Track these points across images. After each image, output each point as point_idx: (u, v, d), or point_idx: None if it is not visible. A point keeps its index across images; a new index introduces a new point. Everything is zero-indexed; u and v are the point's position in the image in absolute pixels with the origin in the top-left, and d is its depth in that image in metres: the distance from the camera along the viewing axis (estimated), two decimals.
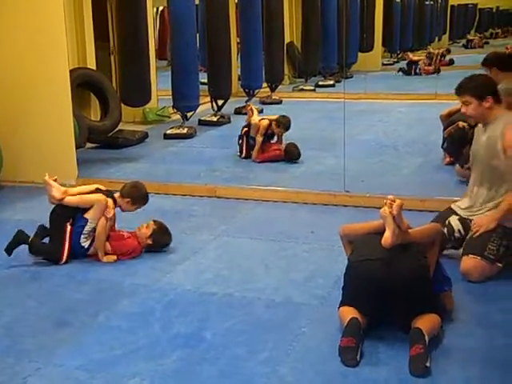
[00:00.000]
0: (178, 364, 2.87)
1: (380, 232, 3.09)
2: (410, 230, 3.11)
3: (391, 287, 2.97)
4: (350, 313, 3.00)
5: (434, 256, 3.16)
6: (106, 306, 3.46)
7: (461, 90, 3.82)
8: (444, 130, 5.95)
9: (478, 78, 3.89)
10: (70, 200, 4.09)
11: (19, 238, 4.10)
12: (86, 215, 4.08)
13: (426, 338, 2.84)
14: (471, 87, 3.78)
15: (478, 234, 3.67)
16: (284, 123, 6.65)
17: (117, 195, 4.19)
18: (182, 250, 4.26)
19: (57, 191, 4.11)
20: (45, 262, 4.06)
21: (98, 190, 4.21)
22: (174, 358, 2.92)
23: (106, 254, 4.10)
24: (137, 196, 4.22)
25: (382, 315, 3.06)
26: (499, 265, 3.63)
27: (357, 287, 3.10)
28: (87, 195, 4.14)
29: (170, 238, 4.24)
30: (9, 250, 4.08)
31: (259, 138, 6.54)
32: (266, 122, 6.62)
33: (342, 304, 3.13)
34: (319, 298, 3.50)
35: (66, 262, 4.05)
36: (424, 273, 3.05)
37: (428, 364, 2.75)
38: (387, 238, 3.01)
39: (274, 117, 6.74)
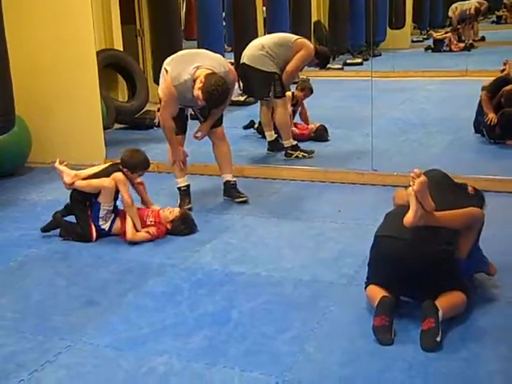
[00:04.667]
0: (206, 342, 2.88)
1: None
2: (439, 213, 2.96)
3: (411, 269, 2.92)
4: (380, 291, 2.97)
5: (467, 242, 3.06)
6: (134, 286, 3.49)
7: None
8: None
9: None
10: (79, 185, 4.12)
11: (56, 222, 4.20)
12: (99, 199, 4.11)
13: (440, 312, 2.80)
14: None
15: None
16: (306, 86, 6.61)
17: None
18: (209, 229, 4.27)
19: (67, 176, 4.14)
20: (74, 243, 4.11)
21: (111, 166, 4.22)
22: (201, 336, 2.93)
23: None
24: (131, 164, 4.18)
25: (403, 292, 3.02)
26: None
27: (378, 263, 3.07)
28: (93, 180, 4.14)
29: (189, 230, 4.18)
30: (45, 230, 4.20)
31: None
32: (289, 93, 6.56)
33: (368, 280, 3.11)
34: (347, 277, 3.49)
35: (97, 240, 4.11)
36: (446, 260, 2.95)
37: (439, 339, 2.73)
38: (409, 217, 2.91)
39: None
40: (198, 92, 4.25)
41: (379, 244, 3.08)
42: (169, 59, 4.56)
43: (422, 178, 2.89)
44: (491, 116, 5.93)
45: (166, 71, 4.41)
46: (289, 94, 6.59)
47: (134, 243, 4.05)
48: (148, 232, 4.07)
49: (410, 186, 2.95)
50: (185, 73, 4.32)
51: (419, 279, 2.94)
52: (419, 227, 2.93)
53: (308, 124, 6.66)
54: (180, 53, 4.71)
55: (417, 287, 2.97)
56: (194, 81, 4.30)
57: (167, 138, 4.61)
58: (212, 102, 4.28)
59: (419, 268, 2.92)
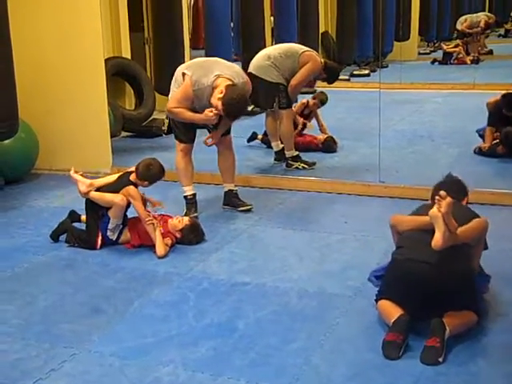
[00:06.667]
0: (211, 353, 2.87)
1: (427, 230, 2.97)
2: (459, 230, 2.97)
3: (435, 291, 2.90)
4: (395, 309, 2.93)
5: (477, 254, 3.09)
6: (140, 294, 3.48)
7: None
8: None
9: None
10: (93, 196, 4.11)
11: (65, 226, 4.21)
12: (109, 213, 4.09)
13: (447, 331, 2.79)
14: None
15: None
16: (319, 96, 6.65)
17: (132, 176, 4.16)
18: (215, 239, 4.26)
19: (82, 185, 4.13)
20: (80, 250, 4.10)
21: (124, 176, 4.19)
22: (206, 346, 2.92)
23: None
24: (147, 176, 4.16)
25: (417, 311, 2.98)
26: None
27: (399, 285, 3.01)
28: (107, 195, 4.10)
29: (198, 238, 4.19)
30: (54, 236, 4.21)
31: (298, 118, 6.45)
32: (303, 100, 6.57)
33: (381, 294, 3.08)
34: (353, 289, 3.47)
35: (101, 248, 4.10)
36: (469, 278, 2.97)
37: (441, 359, 2.72)
38: (437, 240, 2.89)
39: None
40: (217, 102, 4.26)
41: (401, 266, 3.03)
42: (186, 65, 4.61)
43: (449, 199, 2.89)
44: (484, 146, 6.00)
45: (184, 74, 4.43)
46: (303, 101, 6.60)
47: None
48: (166, 244, 4.06)
49: (435, 207, 2.93)
50: (205, 79, 4.35)
51: (440, 300, 2.91)
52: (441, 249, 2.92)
53: (326, 133, 6.65)
54: (198, 60, 4.75)
55: (434, 308, 2.92)
56: (213, 89, 4.32)
57: (182, 118, 4.51)
58: (232, 113, 4.32)
59: (444, 289, 2.90)
